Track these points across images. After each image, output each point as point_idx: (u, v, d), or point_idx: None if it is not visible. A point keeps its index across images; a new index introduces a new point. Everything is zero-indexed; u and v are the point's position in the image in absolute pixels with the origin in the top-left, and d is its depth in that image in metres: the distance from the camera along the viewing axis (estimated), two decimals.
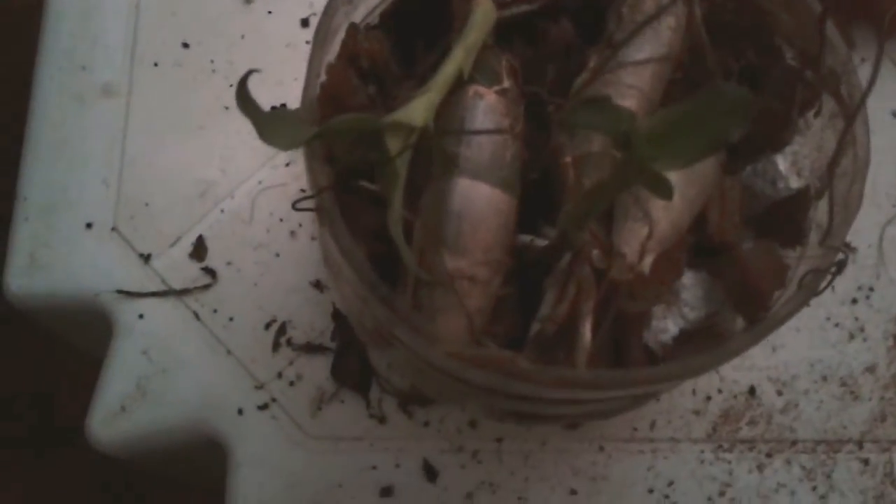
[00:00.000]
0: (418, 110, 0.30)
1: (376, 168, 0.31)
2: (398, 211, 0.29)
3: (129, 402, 0.45)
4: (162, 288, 0.47)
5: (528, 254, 0.33)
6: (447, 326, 0.31)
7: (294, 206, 0.31)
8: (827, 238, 0.31)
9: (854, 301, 0.48)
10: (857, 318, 0.47)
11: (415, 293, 0.31)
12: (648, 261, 0.31)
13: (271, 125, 0.27)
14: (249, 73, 0.27)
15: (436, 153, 0.31)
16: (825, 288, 0.30)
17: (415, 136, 0.29)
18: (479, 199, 0.31)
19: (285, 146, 0.27)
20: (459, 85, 0.32)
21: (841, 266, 0.30)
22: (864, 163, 0.32)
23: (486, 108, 0.32)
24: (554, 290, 0.32)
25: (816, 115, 0.36)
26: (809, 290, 0.30)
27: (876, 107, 0.52)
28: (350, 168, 0.32)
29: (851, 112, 0.32)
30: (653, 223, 0.31)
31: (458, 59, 0.31)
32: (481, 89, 0.32)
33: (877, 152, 0.50)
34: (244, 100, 0.27)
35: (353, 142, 0.30)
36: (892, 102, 0.52)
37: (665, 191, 0.26)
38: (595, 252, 0.31)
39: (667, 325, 0.34)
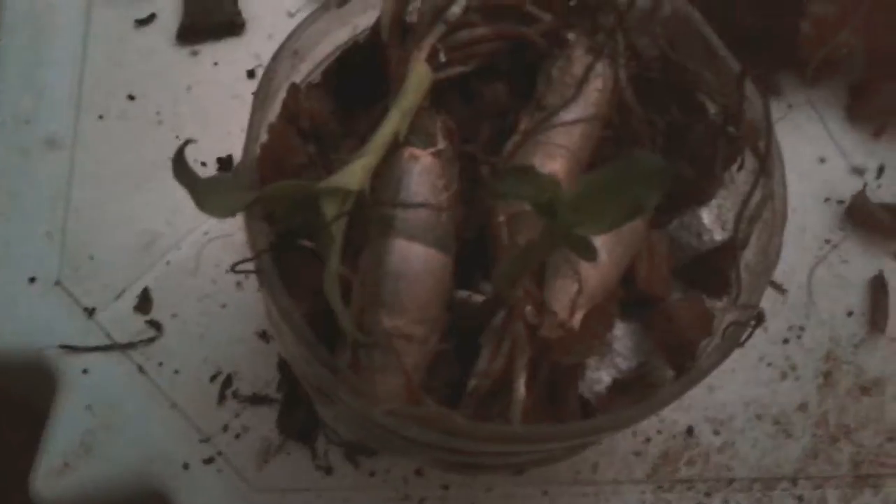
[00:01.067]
0: (355, 175, 0.30)
1: (314, 229, 0.32)
2: (334, 273, 0.30)
3: (73, 458, 0.45)
4: (106, 342, 0.47)
5: (464, 310, 0.34)
6: (386, 385, 0.32)
7: (233, 268, 0.31)
8: (744, 292, 0.32)
9: (786, 341, 0.50)
10: (788, 357, 0.49)
11: (353, 353, 0.32)
12: (579, 316, 0.32)
13: (209, 194, 0.28)
14: (186, 143, 0.28)
15: (372, 216, 0.32)
16: (745, 341, 0.31)
17: (351, 201, 0.30)
18: (415, 259, 0.32)
19: (223, 214, 0.28)
20: (396, 147, 0.33)
21: (760, 319, 0.31)
22: (782, 217, 0.34)
23: (422, 169, 0.33)
24: (489, 346, 0.32)
25: (739, 168, 0.38)
26: (732, 341, 0.32)
27: (804, 153, 0.54)
28: (289, 228, 0.33)
29: (765, 165, 0.34)
30: (582, 280, 0.32)
31: (393, 122, 0.32)
32: (417, 151, 0.33)
33: (805, 197, 0.53)
34: (181, 170, 0.27)
35: (290, 205, 0.30)
36: (818, 149, 0.54)
37: (590, 253, 0.27)
38: (528, 309, 0.32)
39: (600, 376, 0.35)
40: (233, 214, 0.29)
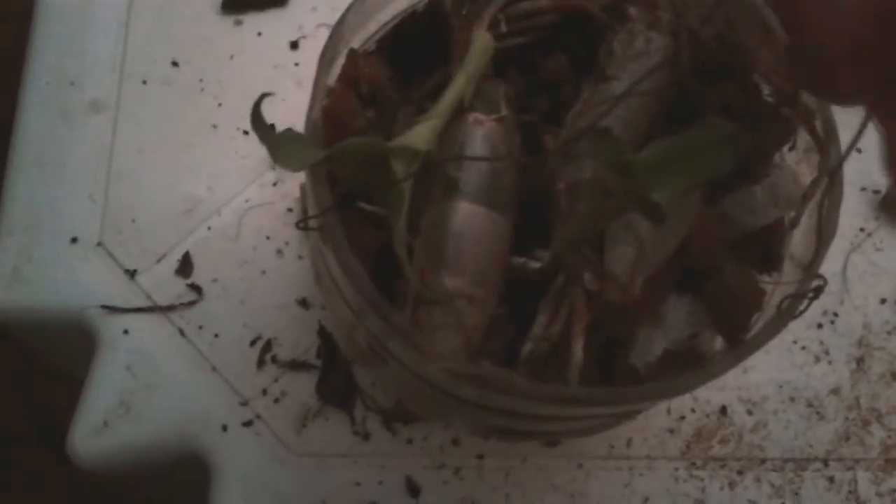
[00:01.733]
0: (423, 135, 0.31)
1: (378, 190, 0.32)
2: (402, 231, 0.30)
3: (112, 418, 0.45)
4: (147, 304, 0.47)
5: (521, 275, 0.34)
6: (445, 343, 0.32)
7: (297, 226, 0.32)
8: (798, 268, 0.33)
9: (819, 326, 0.50)
10: (822, 342, 0.50)
11: (414, 310, 0.32)
12: (639, 282, 0.32)
13: (283, 148, 0.28)
14: (263, 96, 0.28)
15: (437, 177, 0.32)
16: (803, 311, 0.32)
17: (419, 161, 0.31)
18: (478, 221, 0.32)
19: (296, 168, 0.28)
20: (459, 112, 0.34)
21: (818, 291, 0.32)
22: (839, 195, 0.34)
23: (485, 135, 0.33)
24: (546, 310, 0.33)
25: (791, 149, 0.38)
26: (788, 313, 0.32)
27: (841, 141, 0.55)
28: (350, 190, 0.34)
29: (823, 145, 0.34)
30: (642, 247, 0.32)
31: (459, 86, 0.33)
32: (481, 117, 0.33)
33: None
34: (258, 122, 0.28)
35: (358, 164, 0.31)
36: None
37: (658, 217, 0.27)
38: (587, 275, 0.32)
39: (651, 346, 0.36)
40: (304, 168, 0.29)
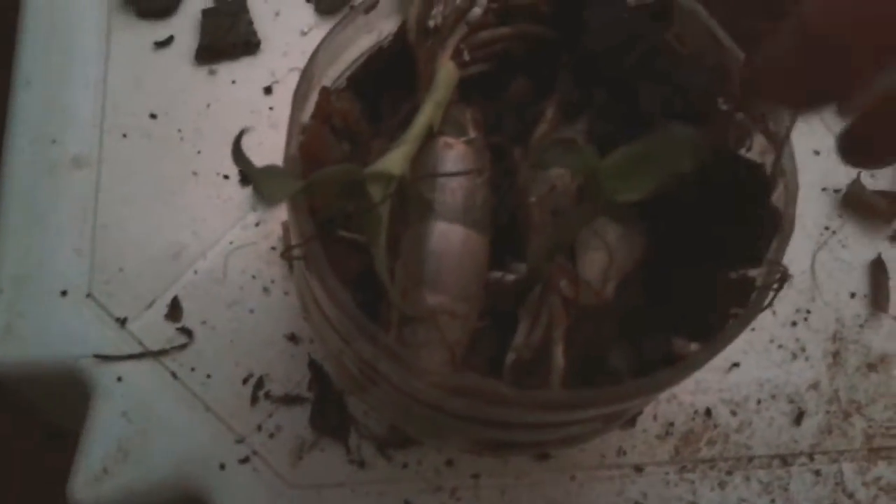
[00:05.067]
0: (396, 160, 0.32)
1: (357, 216, 0.33)
2: (383, 252, 0.32)
3: (111, 464, 0.46)
4: (139, 350, 0.48)
5: (500, 288, 0.35)
6: (430, 359, 0.33)
7: (282, 256, 0.33)
8: (773, 257, 0.35)
9: (794, 323, 0.52)
10: (797, 339, 0.51)
11: (398, 330, 0.33)
12: (611, 286, 0.34)
13: (266, 180, 0.30)
14: (243, 132, 0.30)
15: (413, 200, 0.34)
16: (769, 303, 0.33)
17: (394, 185, 0.32)
18: (455, 239, 0.34)
19: (279, 198, 0.30)
20: (430, 138, 0.35)
21: (782, 281, 0.33)
22: (794, 189, 0.36)
23: (456, 157, 0.35)
24: (527, 319, 0.34)
25: (748, 150, 0.40)
26: (756, 306, 0.34)
27: (800, 146, 0.57)
28: (329, 218, 0.35)
29: (780, 143, 0.36)
30: (612, 252, 0.34)
31: (428, 113, 0.34)
32: (450, 140, 0.35)
33: (803, 187, 0.55)
34: (240, 157, 0.29)
35: (336, 192, 0.32)
36: (813, 143, 0.56)
37: (627, 218, 0.29)
38: (563, 282, 0.34)
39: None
40: (285, 198, 0.30)
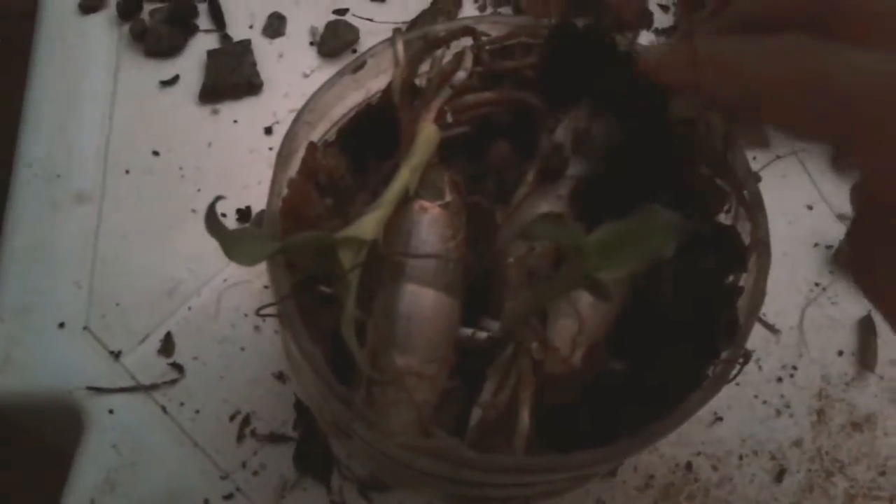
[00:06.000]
0: (369, 226, 0.33)
1: (332, 275, 0.34)
2: (350, 316, 0.32)
3: (99, 495, 0.47)
4: (131, 384, 0.49)
5: (470, 345, 0.36)
6: (398, 419, 0.34)
7: (258, 313, 0.34)
8: (740, 333, 0.35)
9: (780, 379, 0.52)
10: (782, 396, 0.51)
11: (368, 389, 0.34)
12: (579, 353, 0.34)
13: (236, 244, 0.31)
14: (217, 199, 0.31)
15: (385, 262, 0.35)
16: (732, 379, 0.34)
17: (366, 250, 0.33)
18: (425, 303, 0.34)
19: (249, 263, 0.31)
20: (406, 200, 0.36)
21: (746, 358, 0.34)
22: (766, 261, 0.37)
23: (431, 220, 0.36)
24: (495, 378, 0.35)
25: (728, 212, 0.41)
26: (720, 378, 0.34)
27: (793, 200, 0.57)
28: (309, 275, 0.36)
29: (752, 214, 0.37)
30: (582, 320, 0.35)
31: (404, 177, 0.35)
32: (426, 204, 0.36)
33: (795, 241, 0.56)
34: (212, 222, 0.30)
35: (310, 254, 0.33)
36: (806, 197, 0.57)
37: (605, 295, 0.30)
38: (534, 345, 0.35)
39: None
40: (257, 262, 0.31)
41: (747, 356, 0.34)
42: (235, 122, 0.56)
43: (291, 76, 0.58)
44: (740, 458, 0.50)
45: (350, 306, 0.32)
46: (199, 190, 0.54)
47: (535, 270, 0.37)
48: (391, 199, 0.35)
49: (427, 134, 0.37)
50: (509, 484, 0.37)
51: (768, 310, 0.53)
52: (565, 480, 0.39)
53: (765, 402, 0.51)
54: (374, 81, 0.41)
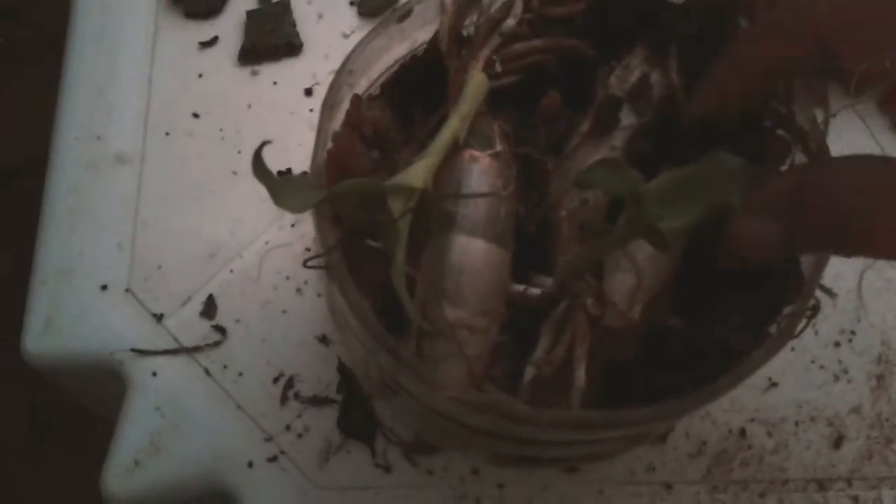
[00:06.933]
0: (418, 173, 0.32)
1: (380, 227, 0.33)
2: (401, 267, 0.31)
3: (143, 457, 0.47)
4: (174, 346, 0.49)
5: (522, 302, 0.35)
6: (449, 373, 0.33)
7: (305, 264, 0.33)
8: (807, 284, 0.33)
9: (837, 344, 0.50)
10: (840, 361, 0.50)
11: (418, 343, 0.33)
12: (638, 308, 0.33)
13: (284, 191, 0.30)
14: (263, 144, 0.30)
15: (435, 213, 0.33)
16: (801, 332, 0.32)
17: (415, 198, 0.32)
18: (476, 254, 0.33)
19: (296, 209, 0.30)
20: (456, 150, 0.35)
21: (815, 310, 0.32)
22: None
23: (481, 170, 0.34)
24: (549, 335, 0.34)
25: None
26: (786, 333, 0.33)
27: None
28: (355, 227, 0.35)
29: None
30: (640, 274, 0.33)
31: (453, 126, 0.34)
32: (476, 153, 0.35)
33: None
34: (259, 168, 0.29)
35: (358, 204, 0.32)
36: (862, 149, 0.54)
37: (665, 245, 0.28)
38: (589, 300, 0.33)
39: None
40: (306, 210, 0.30)
41: (816, 308, 0.32)
42: (275, 83, 0.56)
43: (331, 37, 0.57)
44: (796, 424, 0.48)
45: (400, 255, 0.31)
46: (239, 152, 0.54)
47: (588, 224, 0.36)
48: (441, 147, 0.34)
49: (476, 82, 0.36)
50: (560, 442, 0.36)
51: (825, 273, 0.51)
52: (616, 441, 0.38)
53: (822, 367, 0.49)
54: (421, 32, 0.40)
